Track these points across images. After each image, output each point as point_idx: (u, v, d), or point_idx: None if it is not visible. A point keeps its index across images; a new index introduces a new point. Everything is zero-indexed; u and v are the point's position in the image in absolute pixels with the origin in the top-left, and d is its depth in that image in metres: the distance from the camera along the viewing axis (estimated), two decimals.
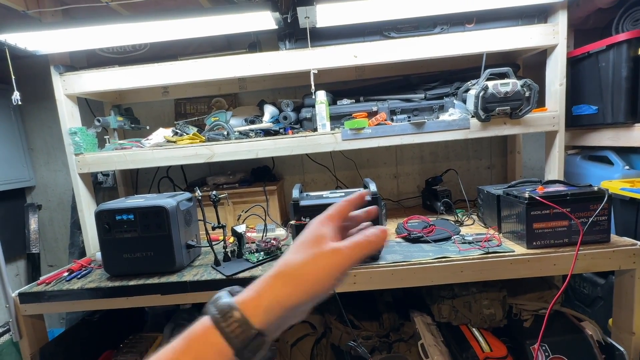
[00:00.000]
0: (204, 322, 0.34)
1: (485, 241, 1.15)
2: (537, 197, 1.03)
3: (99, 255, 1.20)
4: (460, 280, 1.05)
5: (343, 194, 1.14)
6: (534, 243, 1.06)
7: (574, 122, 1.55)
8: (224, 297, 0.35)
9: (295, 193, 1.09)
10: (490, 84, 1.27)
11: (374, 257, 1.10)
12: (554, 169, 1.41)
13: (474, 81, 1.36)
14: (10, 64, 1.25)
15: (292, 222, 1.05)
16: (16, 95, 1.21)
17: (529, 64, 1.66)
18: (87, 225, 1.49)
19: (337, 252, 0.37)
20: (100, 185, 1.80)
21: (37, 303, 1.12)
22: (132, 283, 1.09)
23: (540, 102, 1.39)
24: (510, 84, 1.26)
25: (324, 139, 1.37)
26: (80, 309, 1.13)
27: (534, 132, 1.37)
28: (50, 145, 1.91)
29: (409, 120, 1.38)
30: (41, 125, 1.89)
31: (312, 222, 0.41)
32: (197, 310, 1.41)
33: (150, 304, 1.10)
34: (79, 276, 1.19)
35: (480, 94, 1.27)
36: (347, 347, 1.20)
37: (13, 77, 1.24)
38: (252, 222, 1.47)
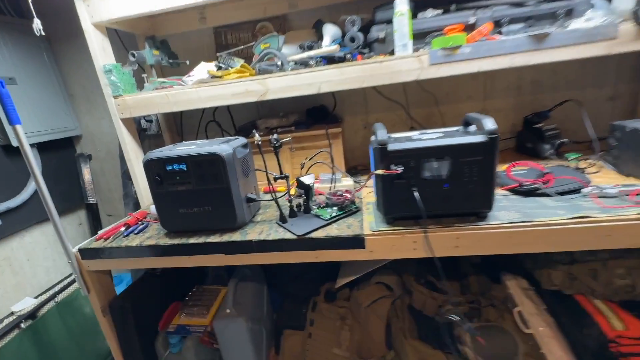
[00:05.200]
0: None
1: (637, 194, 0.85)
2: None
3: (153, 208, 1.08)
4: (608, 246, 0.79)
5: (442, 133, 0.86)
6: None
7: None
8: None
9: (382, 134, 0.83)
10: None
11: (480, 216, 0.86)
12: None
13: None
14: None
15: (380, 171, 0.82)
16: (37, 24, 1.02)
17: None
18: (137, 176, 1.38)
19: None
20: (145, 133, 1.67)
21: (99, 259, 1.05)
22: (192, 241, 0.97)
23: None
24: None
25: (406, 64, 1.05)
26: (143, 267, 1.06)
27: None
28: (89, 90, 1.77)
29: (525, 33, 1.01)
30: (77, 68, 1.74)
31: None
32: (260, 265, 1.31)
33: (214, 263, 0.98)
34: (136, 231, 1.09)
35: None
36: (445, 319, 1.03)
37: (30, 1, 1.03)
38: (313, 171, 1.27)
